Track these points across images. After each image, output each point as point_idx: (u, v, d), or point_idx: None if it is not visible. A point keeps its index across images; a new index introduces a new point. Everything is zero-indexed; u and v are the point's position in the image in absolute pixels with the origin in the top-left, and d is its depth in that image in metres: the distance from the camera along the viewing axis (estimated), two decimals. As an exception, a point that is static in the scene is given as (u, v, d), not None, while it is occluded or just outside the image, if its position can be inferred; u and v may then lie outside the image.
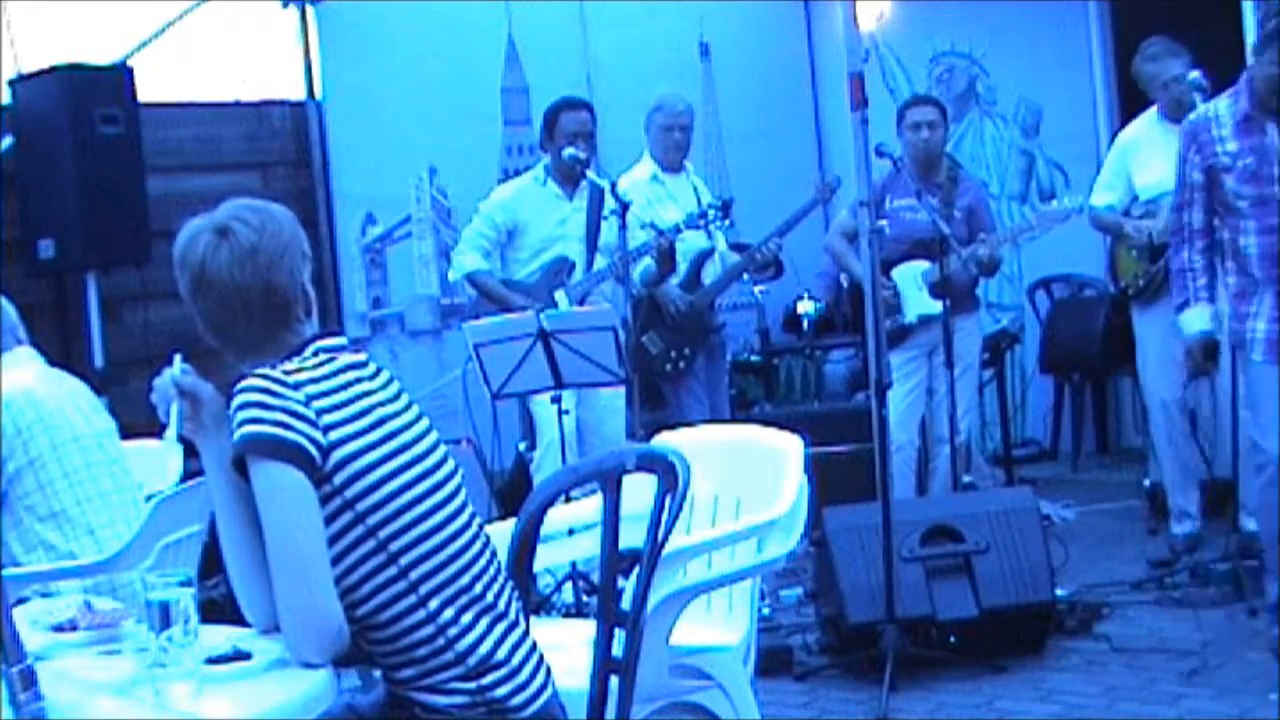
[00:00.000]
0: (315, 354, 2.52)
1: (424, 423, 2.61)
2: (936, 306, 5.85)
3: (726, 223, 6.26)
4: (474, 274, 5.98)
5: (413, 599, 2.48)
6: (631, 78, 7.25)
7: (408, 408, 2.60)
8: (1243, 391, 4.73)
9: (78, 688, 2.28)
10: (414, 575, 2.48)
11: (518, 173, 6.35)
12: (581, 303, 5.86)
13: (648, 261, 5.95)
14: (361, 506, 2.45)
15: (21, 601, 3.19)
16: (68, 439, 3.80)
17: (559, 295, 5.86)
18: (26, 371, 3.88)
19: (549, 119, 6.01)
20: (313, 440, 2.41)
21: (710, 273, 6.34)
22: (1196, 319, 4.65)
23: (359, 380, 2.54)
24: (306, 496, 2.40)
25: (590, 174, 5.84)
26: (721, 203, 6.08)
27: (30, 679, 2.07)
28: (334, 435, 2.43)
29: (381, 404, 2.54)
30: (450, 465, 2.61)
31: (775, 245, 6.19)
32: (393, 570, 2.47)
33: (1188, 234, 4.64)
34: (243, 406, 2.41)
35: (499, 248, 6.04)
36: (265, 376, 2.44)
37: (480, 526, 2.63)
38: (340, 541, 2.44)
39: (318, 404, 2.44)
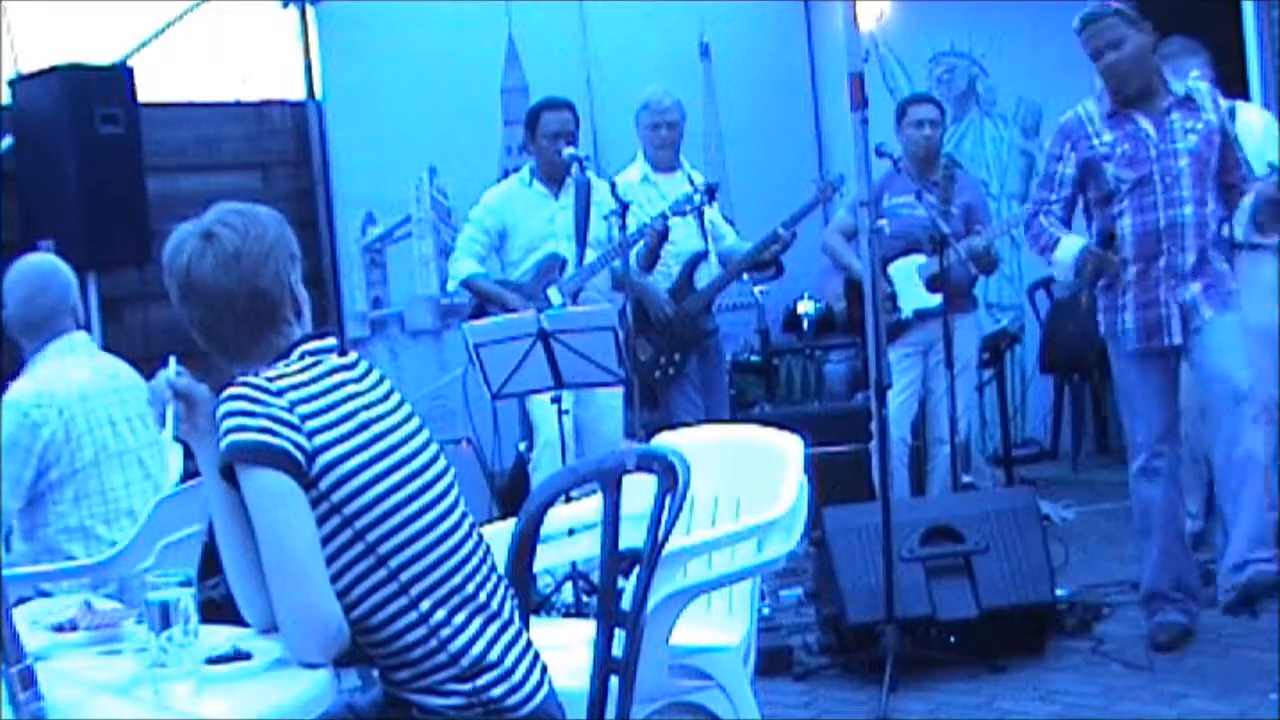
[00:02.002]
0: (301, 357, 2.52)
1: (414, 423, 2.60)
2: (933, 301, 5.85)
3: (715, 209, 6.25)
4: (469, 278, 5.99)
5: (404, 601, 2.48)
6: (631, 78, 7.23)
7: (398, 408, 2.59)
8: (1115, 382, 4.92)
9: (78, 688, 2.28)
10: (404, 577, 2.48)
11: (518, 170, 6.34)
12: (575, 298, 5.85)
13: (639, 246, 5.94)
14: (349, 510, 2.44)
15: (22, 601, 3.19)
16: (113, 453, 3.78)
17: (551, 292, 5.86)
18: (83, 367, 3.84)
19: (531, 119, 6.01)
20: (298, 445, 2.40)
21: (704, 276, 6.33)
22: (1070, 247, 4.74)
23: (345, 383, 2.53)
24: (296, 500, 2.40)
25: (590, 173, 5.83)
26: (706, 187, 6.05)
27: (30, 679, 2.07)
28: (318, 440, 2.43)
29: (368, 406, 2.53)
30: (441, 465, 2.60)
31: (790, 232, 6.15)
32: (383, 573, 2.47)
33: (1044, 211, 4.80)
34: (227, 415, 2.42)
35: (493, 251, 6.04)
36: (248, 384, 2.44)
37: (473, 527, 2.63)
38: (330, 545, 2.44)
39: (301, 409, 2.43)
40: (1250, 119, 5.30)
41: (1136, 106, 4.67)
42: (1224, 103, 4.83)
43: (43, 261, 3.92)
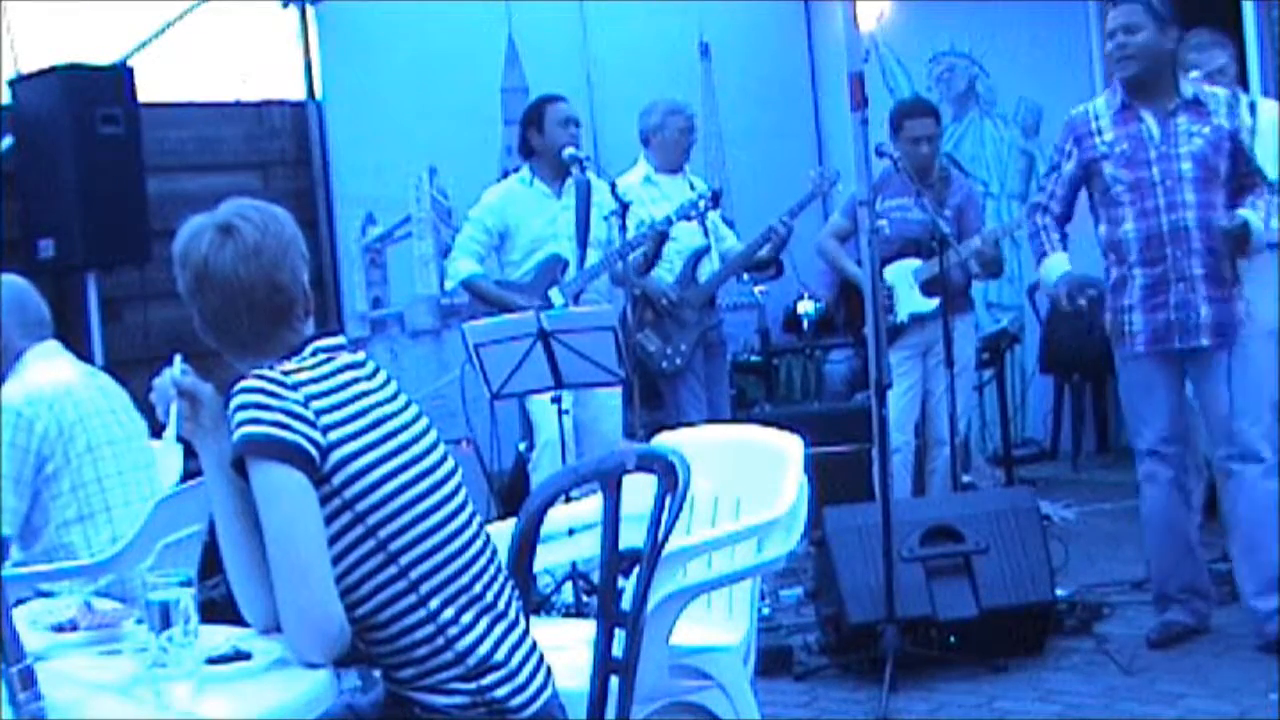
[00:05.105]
0: (314, 354, 2.52)
1: (423, 422, 2.61)
2: (928, 305, 5.86)
3: (717, 212, 6.27)
4: (469, 279, 5.97)
5: (413, 598, 2.48)
6: (631, 78, 7.25)
7: (406, 407, 2.59)
8: (1120, 384, 4.87)
9: (78, 688, 2.28)
10: (414, 575, 2.48)
11: (518, 170, 6.34)
12: (576, 299, 5.85)
13: (640, 251, 5.95)
14: (361, 507, 2.45)
15: (22, 601, 3.19)
16: (103, 442, 3.79)
17: (553, 293, 5.86)
18: (65, 368, 3.87)
19: (535, 113, 6.00)
20: (312, 441, 2.41)
21: (706, 271, 6.34)
22: (1056, 265, 4.80)
23: (357, 380, 2.54)
24: (306, 496, 2.39)
25: (590, 174, 5.83)
26: (711, 193, 6.07)
27: (30, 679, 2.07)
28: (333, 436, 2.43)
29: (380, 404, 2.54)
30: (450, 464, 2.61)
31: (785, 225, 6.16)
32: (392, 570, 2.47)
33: (1044, 207, 4.85)
34: (241, 407, 2.41)
35: (493, 251, 6.04)
36: (263, 377, 2.44)
37: (481, 526, 2.63)
38: (340, 541, 2.44)
39: (316, 404, 2.44)
40: (1272, 114, 5.17)
41: (1145, 104, 4.63)
42: (1244, 98, 4.78)
43: (4, 280, 3.94)
